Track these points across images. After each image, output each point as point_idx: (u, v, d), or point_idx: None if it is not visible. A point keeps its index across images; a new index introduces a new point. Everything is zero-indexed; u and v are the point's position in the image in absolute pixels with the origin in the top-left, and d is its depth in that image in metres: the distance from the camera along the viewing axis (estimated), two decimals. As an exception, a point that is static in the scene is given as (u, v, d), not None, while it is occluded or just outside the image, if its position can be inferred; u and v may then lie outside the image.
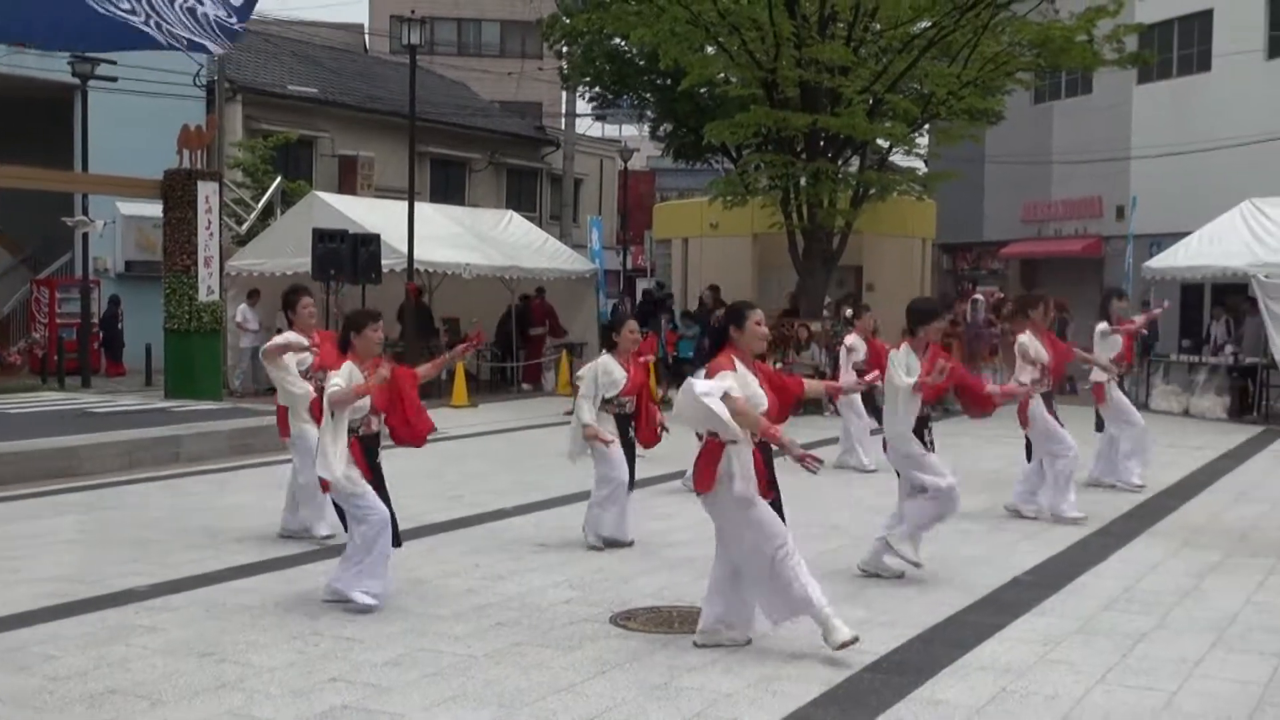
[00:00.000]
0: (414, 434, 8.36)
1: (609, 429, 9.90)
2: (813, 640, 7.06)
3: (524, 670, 6.62)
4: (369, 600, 7.79)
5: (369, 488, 7.91)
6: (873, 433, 13.32)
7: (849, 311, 16.20)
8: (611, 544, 9.84)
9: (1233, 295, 24.20)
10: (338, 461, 7.77)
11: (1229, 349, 21.81)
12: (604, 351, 10.21)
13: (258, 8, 20.79)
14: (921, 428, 8.73)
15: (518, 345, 25.73)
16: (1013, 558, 9.54)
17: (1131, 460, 13.07)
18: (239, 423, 16.36)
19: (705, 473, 6.89)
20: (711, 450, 6.88)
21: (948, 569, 9.09)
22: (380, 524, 7.89)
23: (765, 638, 7.15)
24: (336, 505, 8.10)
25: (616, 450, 9.89)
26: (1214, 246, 21.72)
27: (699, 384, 6.76)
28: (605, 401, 9.95)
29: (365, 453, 8.00)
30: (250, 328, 23.23)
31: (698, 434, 7.10)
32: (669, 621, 7.63)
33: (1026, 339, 11.40)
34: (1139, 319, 14.34)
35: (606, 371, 9.89)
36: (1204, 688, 6.40)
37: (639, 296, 34.14)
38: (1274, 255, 19.90)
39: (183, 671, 6.56)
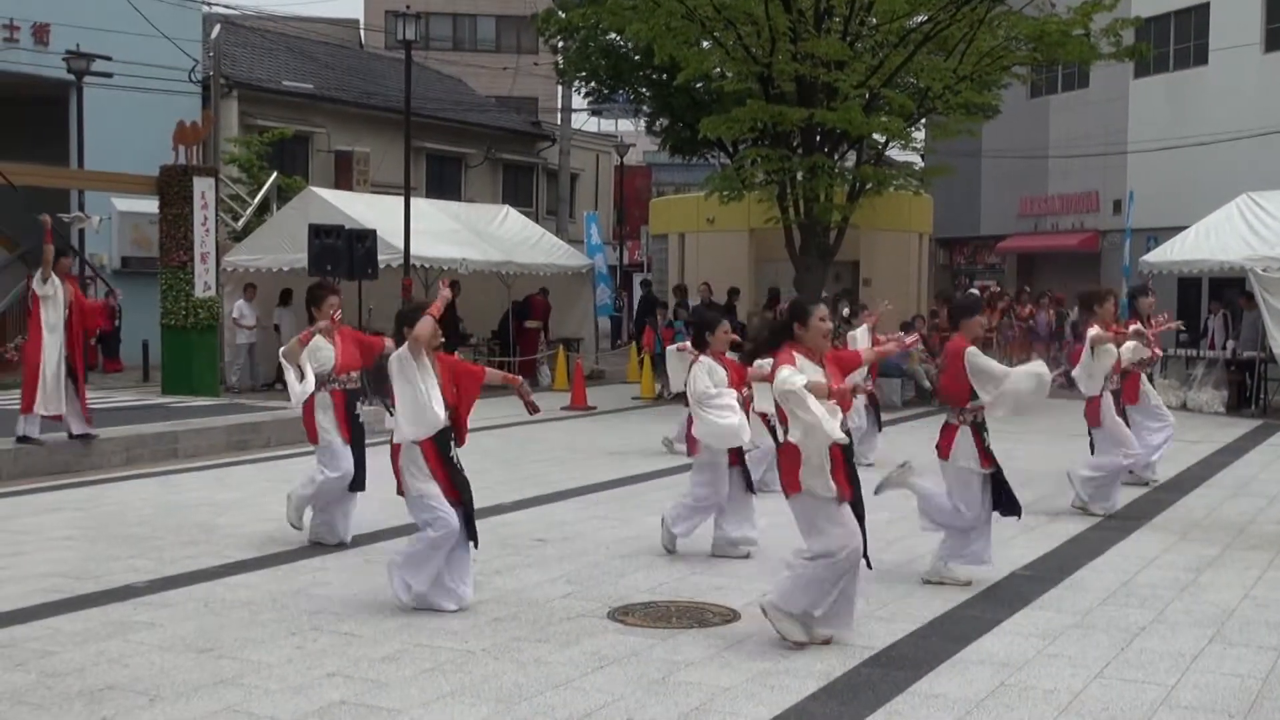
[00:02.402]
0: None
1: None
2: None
3: (521, 666, 6.62)
4: (405, 598, 7.78)
5: (440, 493, 7.92)
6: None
7: (846, 310, 16.16)
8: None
9: (1230, 289, 24.21)
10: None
11: (1229, 344, 21.81)
12: (697, 353, 9.67)
13: (253, 3, 20.74)
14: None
15: (514, 341, 25.74)
16: (1010, 552, 9.52)
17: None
18: (236, 418, 16.36)
19: (790, 475, 6.93)
20: (791, 451, 6.90)
21: (945, 563, 9.08)
22: (447, 535, 7.82)
23: (762, 633, 7.15)
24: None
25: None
26: (1211, 240, 21.72)
27: (782, 371, 6.79)
28: None
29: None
30: (247, 324, 23.22)
31: (775, 437, 7.05)
32: (666, 617, 7.63)
33: (1096, 333, 11.18)
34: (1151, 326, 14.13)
35: (713, 370, 9.45)
36: (1202, 681, 6.41)
37: (636, 292, 34.06)
38: (1271, 249, 19.90)
39: (181, 667, 6.56)
